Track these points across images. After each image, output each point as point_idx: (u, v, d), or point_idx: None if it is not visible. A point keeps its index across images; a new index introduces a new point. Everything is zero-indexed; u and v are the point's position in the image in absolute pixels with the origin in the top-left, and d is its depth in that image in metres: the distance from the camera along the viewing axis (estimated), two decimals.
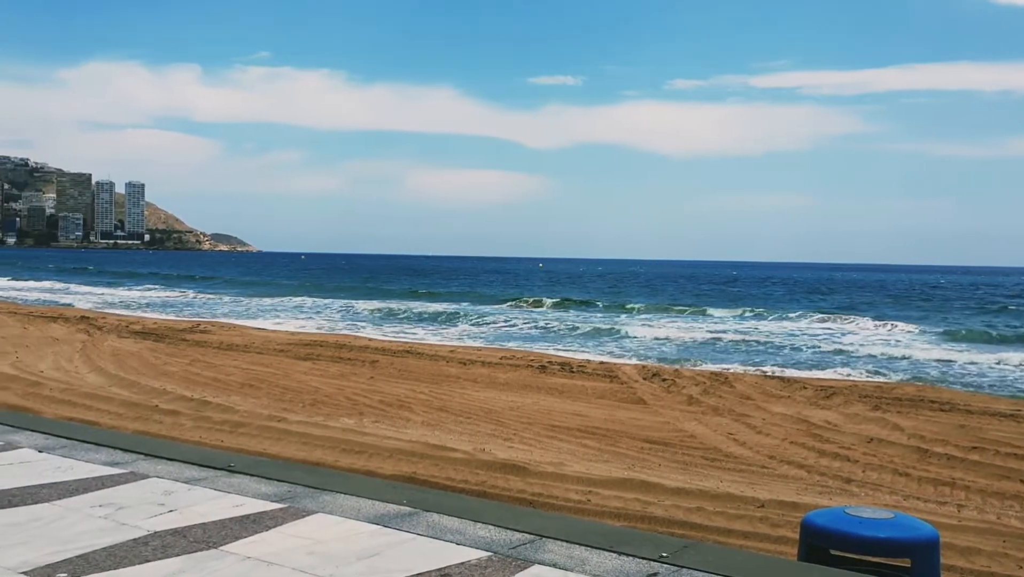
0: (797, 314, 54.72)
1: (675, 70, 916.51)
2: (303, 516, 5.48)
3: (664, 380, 20.46)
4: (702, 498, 10.10)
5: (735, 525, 9.21)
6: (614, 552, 4.94)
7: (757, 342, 36.99)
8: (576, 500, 9.96)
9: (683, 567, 4.83)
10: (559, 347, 33.03)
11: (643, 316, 53.34)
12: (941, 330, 44.55)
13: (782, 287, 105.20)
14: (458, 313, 51.71)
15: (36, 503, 5.64)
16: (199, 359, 22.33)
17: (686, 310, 58.70)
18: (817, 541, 5.42)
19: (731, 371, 24.56)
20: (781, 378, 22.17)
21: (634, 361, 27.70)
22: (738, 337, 39.42)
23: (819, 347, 35.08)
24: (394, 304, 59.41)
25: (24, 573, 4.42)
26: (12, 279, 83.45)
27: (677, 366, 25.87)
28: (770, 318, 50.79)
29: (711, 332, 42.02)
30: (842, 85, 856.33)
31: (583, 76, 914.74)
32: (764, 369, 26.67)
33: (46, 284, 76.58)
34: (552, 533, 5.25)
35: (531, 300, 64.01)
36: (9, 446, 7.23)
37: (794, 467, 12.45)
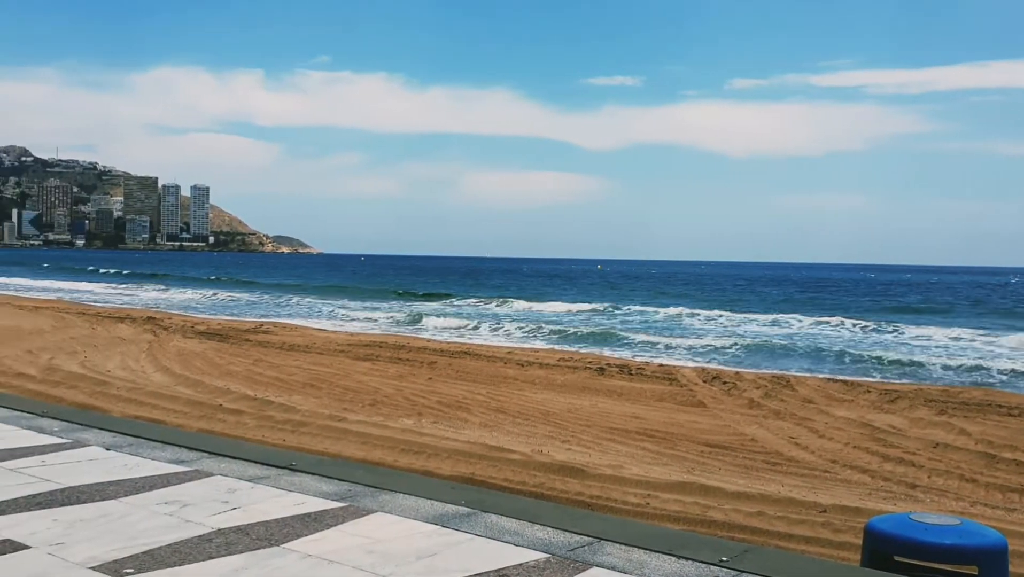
0: (863, 316, 53.81)
1: (735, 69, 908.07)
2: (363, 515, 5.52)
3: (724, 383, 20.26)
4: (763, 502, 9.99)
5: (796, 530, 9.09)
6: (673, 556, 4.90)
7: (818, 345, 36.45)
8: (635, 503, 9.90)
9: (744, 571, 4.77)
10: (619, 347, 32.90)
11: (704, 316, 52.88)
12: (1011, 333, 43.46)
13: (845, 288, 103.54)
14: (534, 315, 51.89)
15: (104, 500, 5.76)
16: (262, 359, 22.65)
17: (739, 311, 58.14)
18: (881, 547, 5.32)
19: (793, 374, 24.23)
20: (844, 381, 21.81)
21: (693, 363, 27.48)
22: (800, 339, 38.89)
23: (884, 350, 34.45)
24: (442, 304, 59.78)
25: (92, 568, 4.52)
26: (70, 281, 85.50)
27: (738, 369, 25.60)
28: (834, 320, 49.98)
29: (774, 334, 41.52)
30: (905, 84, 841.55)
31: (641, 76, 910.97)
32: (826, 372, 26.27)
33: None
34: (610, 536, 5.22)
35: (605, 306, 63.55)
36: (78, 444, 7.41)
37: (857, 472, 12.24)
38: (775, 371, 25.51)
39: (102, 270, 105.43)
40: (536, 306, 60.49)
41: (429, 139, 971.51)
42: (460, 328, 41.82)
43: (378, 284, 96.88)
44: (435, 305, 61.45)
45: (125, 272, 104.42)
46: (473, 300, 66.78)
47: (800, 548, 8.45)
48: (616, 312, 55.99)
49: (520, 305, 61.33)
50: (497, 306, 61.53)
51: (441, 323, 44.18)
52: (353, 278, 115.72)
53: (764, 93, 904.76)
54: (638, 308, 59.28)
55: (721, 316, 53.59)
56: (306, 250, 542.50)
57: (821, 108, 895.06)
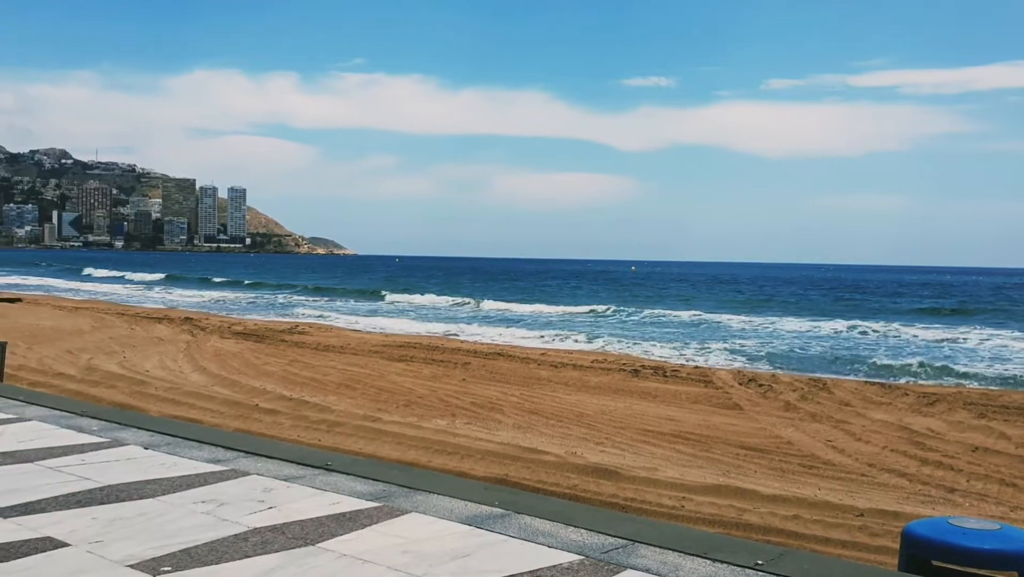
0: (900, 319, 53.22)
1: (770, 69, 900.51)
2: (397, 515, 5.54)
3: (760, 385, 20.12)
4: (799, 506, 9.91)
5: (833, 534, 9.01)
6: (708, 558, 4.88)
7: (855, 348, 36.11)
8: (669, 505, 9.86)
9: (779, 575, 4.73)
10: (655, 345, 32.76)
11: (742, 318, 52.53)
12: None
13: (884, 290, 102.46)
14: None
15: (142, 498, 5.83)
16: (297, 359, 22.81)
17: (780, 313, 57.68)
18: (918, 552, 5.26)
19: (829, 377, 24.01)
20: (881, 384, 21.58)
21: (732, 364, 27.31)
22: (837, 342, 38.54)
23: (923, 353, 34.06)
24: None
25: (130, 566, 4.57)
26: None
27: (773, 371, 25.41)
28: (872, 322, 49.45)
29: (811, 337, 41.18)
30: (943, 84, 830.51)
31: (675, 77, 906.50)
32: (863, 375, 26.00)
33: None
34: (645, 538, 5.20)
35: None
36: (116, 443, 7.49)
37: (895, 475, 12.11)
38: (811, 374, 25.29)
39: (132, 276, 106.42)
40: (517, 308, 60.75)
41: (463, 140, 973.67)
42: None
43: (367, 283, 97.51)
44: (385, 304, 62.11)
45: (156, 276, 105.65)
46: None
47: (837, 552, 8.37)
48: (607, 314, 55.82)
49: (490, 305, 61.93)
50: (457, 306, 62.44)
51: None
52: (392, 278, 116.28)
53: (800, 93, 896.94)
54: (659, 311, 58.90)
55: (757, 318, 53.22)
56: (341, 251, 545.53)
57: (858, 108, 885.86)
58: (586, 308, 60.55)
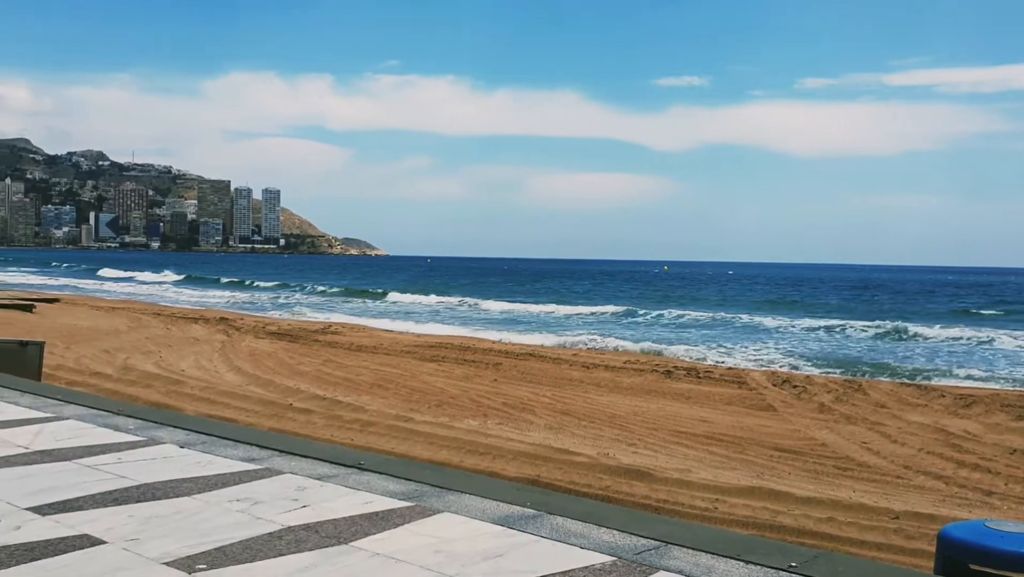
0: (938, 321, 52.60)
1: (805, 69, 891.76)
2: (430, 515, 5.56)
3: (795, 386, 19.97)
4: (834, 508, 9.82)
5: (868, 536, 8.93)
6: (741, 560, 4.85)
7: (894, 349, 35.75)
8: (702, 507, 9.82)
9: None
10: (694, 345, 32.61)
11: (776, 319, 52.18)
12: None
13: (921, 290, 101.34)
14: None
15: (178, 497, 5.88)
16: (331, 359, 22.94)
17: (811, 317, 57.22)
18: (955, 555, 5.19)
19: (865, 378, 23.78)
20: (917, 385, 21.34)
21: (757, 365, 27.13)
22: (875, 343, 38.18)
23: (960, 355, 33.65)
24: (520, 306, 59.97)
25: (166, 564, 4.62)
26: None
27: (808, 372, 25.22)
28: (909, 323, 48.93)
29: (847, 338, 40.83)
30: (980, 82, 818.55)
31: (709, 76, 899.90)
32: (900, 377, 25.73)
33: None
34: (678, 540, 5.18)
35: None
36: (153, 441, 7.57)
37: (931, 478, 11.98)
38: (846, 375, 25.07)
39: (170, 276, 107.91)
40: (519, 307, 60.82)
41: (495, 141, 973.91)
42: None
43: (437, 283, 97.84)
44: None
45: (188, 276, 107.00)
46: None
47: (872, 555, 8.30)
48: (635, 315, 55.56)
49: (494, 305, 62.02)
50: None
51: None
52: (424, 279, 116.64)
53: (834, 93, 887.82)
54: (678, 311, 58.55)
55: (791, 319, 52.82)
56: (373, 252, 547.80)
57: (893, 108, 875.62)
58: (615, 308, 60.44)
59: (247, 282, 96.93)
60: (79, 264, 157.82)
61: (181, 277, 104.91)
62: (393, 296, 72.19)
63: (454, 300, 67.05)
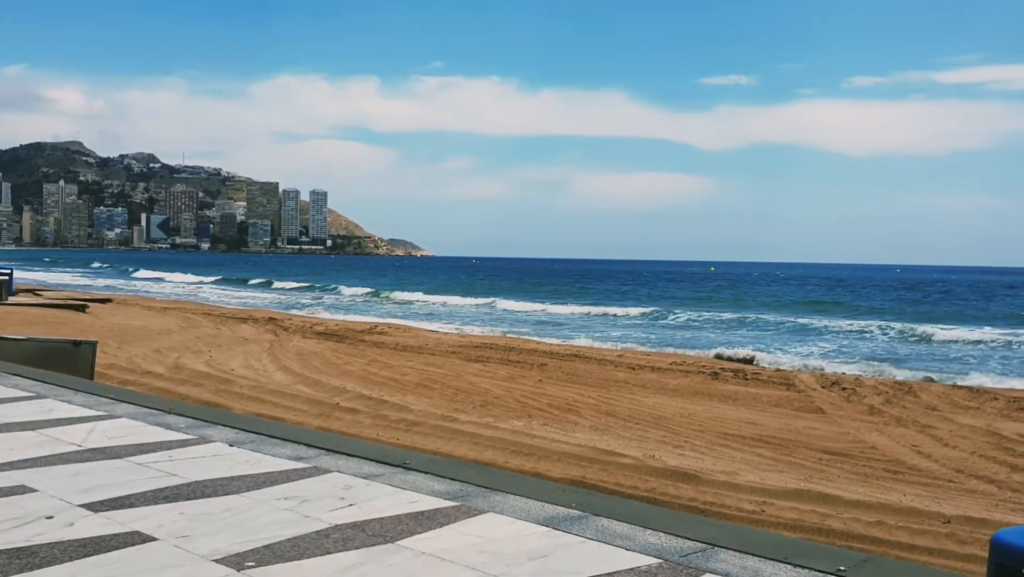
0: (993, 323, 51.66)
1: (854, 67, 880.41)
2: (475, 515, 5.57)
3: (844, 389, 19.73)
4: (883, 512, 9.69)
5: (919, 541, 8.78)
6: (789, 564, 4.79)
7: (947, 351, 35.17)
8: (750, 510, 9.73)
9: None
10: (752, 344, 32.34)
11: (824, 320, 51.58)
12: None
13: (974, 291, 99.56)
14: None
15: (227, 494, 5.95)
16: (377, 359, 23.08)
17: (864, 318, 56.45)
18: (1009, 560, 5.08)
19: (915, 381, 23.42)
20: (969, 388, 20.97)
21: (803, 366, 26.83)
22: (926, 345, 37.58)
23: (1010, 357, 33.01)
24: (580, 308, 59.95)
25: (215, 561, 4.67)
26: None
27: (857, 374, 24.89)
28: (962, 326, 48.09)
29: (898, 340, 40.24)
30: None
31: (756, 75, 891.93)
32: (951, 379, 25.30)
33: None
34: (724, 542, 5.14)
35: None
36: (203, 440, 7.67)
37: (983, 482, 11.76)
38: (896, 377, 24.70)
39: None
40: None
41: (540, 141, 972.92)
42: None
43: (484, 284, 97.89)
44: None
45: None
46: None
47: (922, 559, 8.17)
48: (674, 315, 55.06)
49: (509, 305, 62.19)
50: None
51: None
52: (471, 279, 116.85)
53: (884, 91, 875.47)
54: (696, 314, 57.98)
55: (840, 320, 52.18)
56: (418, 252, 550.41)
57: (944, 106, 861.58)
58: (654, 308, 60.17)
59: (273, 283, 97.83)
60: (118, 264, 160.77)
61: (213, 279, 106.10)
62: (435, 298, 72.13)
63: (486, 301, 66.86)
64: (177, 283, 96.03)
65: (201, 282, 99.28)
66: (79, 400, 9.50)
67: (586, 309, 59.28)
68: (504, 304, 62.67)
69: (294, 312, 48.33)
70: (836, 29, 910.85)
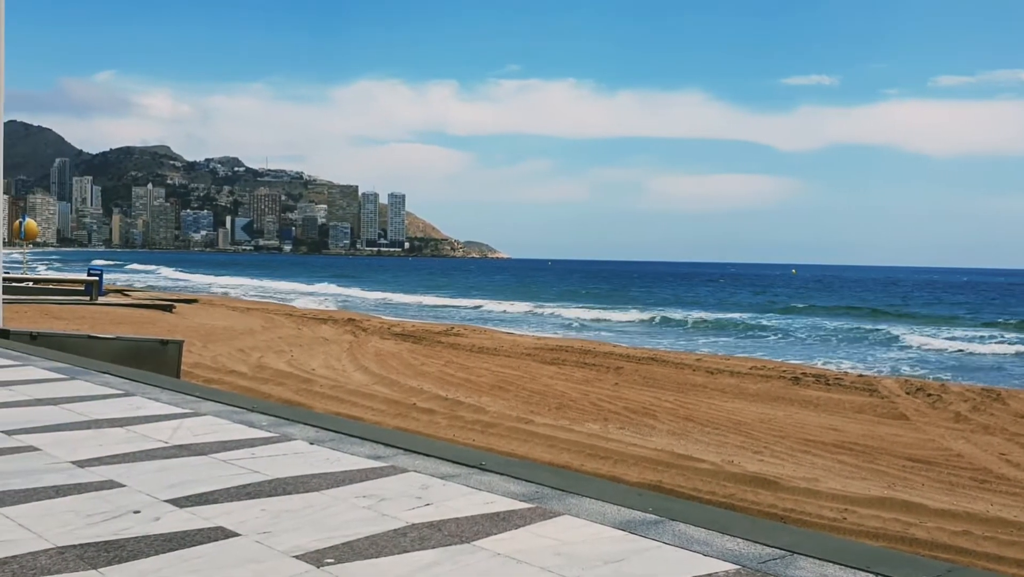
0: None
1: (940, 66, 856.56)
2: (550, 517, 5.57)
3: (929, 395, 19.24)
4: (970, 521, 9.42)
5: (1007, 552, 8.52)
6: (871, 572, 4.69)
7: None
8: (831, 517, 9.55)
9: None
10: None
11: (910, 325, 50.35)
12: None
13: None
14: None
15: (307, 492, 6.05)
16: (453, 360, 23.23)
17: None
18: None
19: (1004, 387, 22.72)
20: None
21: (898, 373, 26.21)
22: (1017, 351, 36.45)
23: None
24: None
25: (296, 557, 4.75)
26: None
27: (943, 380, 24.24)
28: None
29: (987, 345, 39.11)
30: None
31: (839, 75, 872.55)
32: None
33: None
34: (804, 550, 5.05)
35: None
36: (284, 437, 7.81)
37: None
38: (984, 384, 24.00)
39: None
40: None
41: (617, 143, 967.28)
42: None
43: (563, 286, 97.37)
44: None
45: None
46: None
47: (1012, 571, 7.93)
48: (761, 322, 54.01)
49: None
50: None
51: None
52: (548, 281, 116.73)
53: (972, 90, 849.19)
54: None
55: (926, 325, 50.87)
56: (494, 255, 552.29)
57: None
58: (741, 314, 59.21)
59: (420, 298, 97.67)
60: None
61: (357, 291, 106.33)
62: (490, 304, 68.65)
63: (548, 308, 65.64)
64: (334, 297, 74.91)
65: (348, 296, 78.15)
66: (166, 398, 9.75)
67: (650, 315, 58.07)
68: (568, 312, 60.89)
69: (373, 314, 48.92)
70: (922, 28, 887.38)
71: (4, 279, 18.09)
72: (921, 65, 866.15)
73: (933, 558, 7.65)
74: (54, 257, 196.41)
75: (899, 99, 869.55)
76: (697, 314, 57.56)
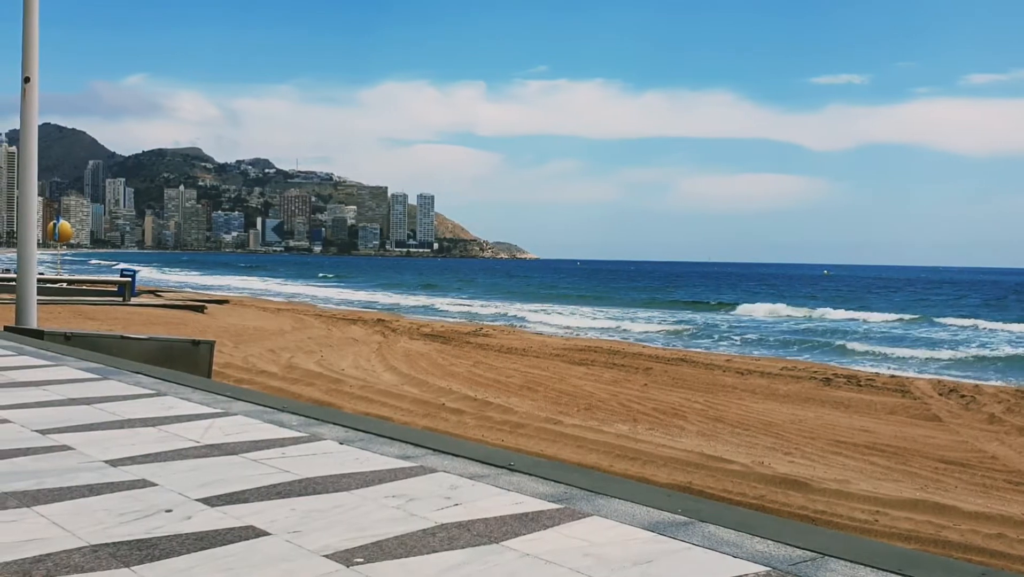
0: None
1: (970, 64, 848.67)
2: (579, 518, 5.55)
3: (962, 396, 19.02)
4: (1004, 524, 9.31)
5: None
6: (903, 575, 4.64)
7: None
8: (862, 520, 9.47)
9: None
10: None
11: (943, 325, 49.75)
12: None
13: None
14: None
15: (337, 491, 6.07)
16: (481, 361, 23.25)
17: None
18: None
19: None
20: None
21: (928, 375, 25.93)
22: None
23: None
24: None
25: (326, 556, 4.78)
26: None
27: (977, 381, 23.95)
28: None
29: (1021, 345, 38.59)
30: None
31: (868, 74, 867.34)
32: None
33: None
34: (835, 552, 5.01)
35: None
36: (314, 437, 7.85)
37: None
38: (1019, 384, 23.69)
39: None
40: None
41: (645, 143, 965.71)
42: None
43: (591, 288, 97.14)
44: None
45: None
46: None
47: None
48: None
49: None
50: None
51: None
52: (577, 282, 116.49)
53: (1003, 88, 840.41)
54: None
55: (958, 325, 50.26)
56: (523, 255, 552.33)
57: None
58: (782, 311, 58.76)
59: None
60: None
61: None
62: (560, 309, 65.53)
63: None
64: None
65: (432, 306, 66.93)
66: (197, 397, 9.82)
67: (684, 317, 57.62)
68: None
69: (402, 314, 49.06)
70: (952, 26, 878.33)
71: (38, 280, 18.30)
72: (951, 63, 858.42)
73: (966, 561, 7.57)
74: (81, 260, 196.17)
75: (929, 98, 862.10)
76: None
